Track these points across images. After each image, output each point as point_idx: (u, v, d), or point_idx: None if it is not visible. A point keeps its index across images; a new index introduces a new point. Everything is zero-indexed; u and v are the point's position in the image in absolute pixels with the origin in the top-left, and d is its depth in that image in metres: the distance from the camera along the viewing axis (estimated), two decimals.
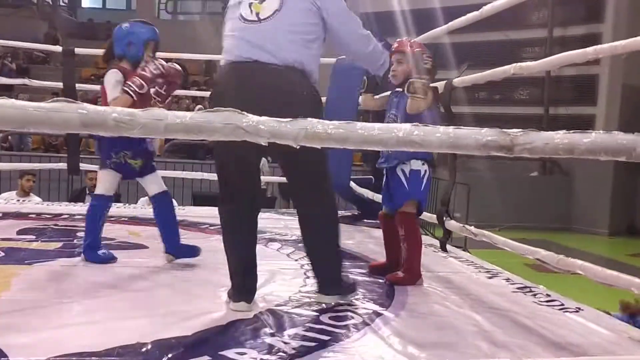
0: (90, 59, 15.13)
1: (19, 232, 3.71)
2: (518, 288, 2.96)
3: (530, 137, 1.06)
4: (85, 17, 18.55)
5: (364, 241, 4.01)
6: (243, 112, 1.01)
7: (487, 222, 12.02)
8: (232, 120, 1.02)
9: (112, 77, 2.99)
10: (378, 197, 4.76)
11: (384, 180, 3.09)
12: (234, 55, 2.35)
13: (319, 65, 2.45)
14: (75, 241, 3.56)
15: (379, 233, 4.32)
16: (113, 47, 3.08)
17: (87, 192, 6.16)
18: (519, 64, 2.79)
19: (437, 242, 3.94)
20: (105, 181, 3.12)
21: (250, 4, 2.37)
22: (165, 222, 3.19)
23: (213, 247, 3.63)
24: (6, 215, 4.27)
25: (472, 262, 3.55)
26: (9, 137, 9.89)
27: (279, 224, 4.50)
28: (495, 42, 13.44)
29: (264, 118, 1.05)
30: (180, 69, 3.18)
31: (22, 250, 3.22)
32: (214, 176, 6.69)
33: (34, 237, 3.61)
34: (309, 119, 1.05)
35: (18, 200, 5.45)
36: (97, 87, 6.99)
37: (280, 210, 5.30)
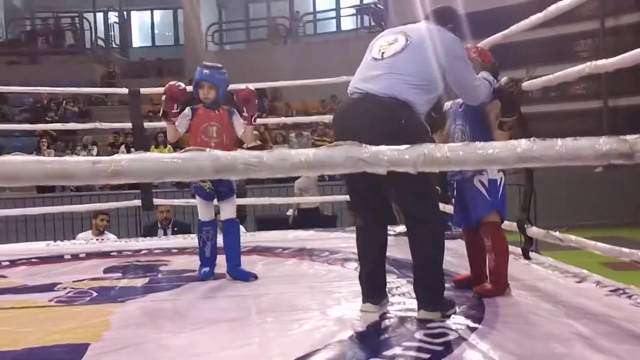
0: (146, 96, 15.66)
1: (106, 271, 3.84)
2: (611, 291, 2.87)
3: None
4: (136, 57, 19.19)
5: None
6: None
7: (554, 222, 11.74)
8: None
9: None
10: (447, 208, 4.71)
11: (456, 194, 3.06)
12: (351, 87, 2.65)
13: (430, 104, 2.65)
14: (159, 276, 3.66)
15: (452, 244, 4.27)
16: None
17: (159, 225, 6.32)
18: (593, 62, 2.74)
19: (516, 250, 3.86)
20: (199, 207, 3.54)
21: (380, 45, 2.66)
22: (229, 246, 3.49)
23: (290, 270, 3.69)
24: (90, 255, 4.43)
25: (556, 267, 3.47)
26: None
27: (350, 243, 4.50)
28: (545, 39, 13.16)
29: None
30: (182, 86, 3.49)
31: (112, 289, 3.32)
32: (275, 200, 6.74)
33: (121, 274, 3.73)
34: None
35: (97, 240, 5.65)
36: (154, 124, 7.24)
37: (348, 229, 5.30)
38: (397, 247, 4.44)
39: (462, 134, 2.92)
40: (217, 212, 3.65)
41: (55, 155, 11.83)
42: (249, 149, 10.61)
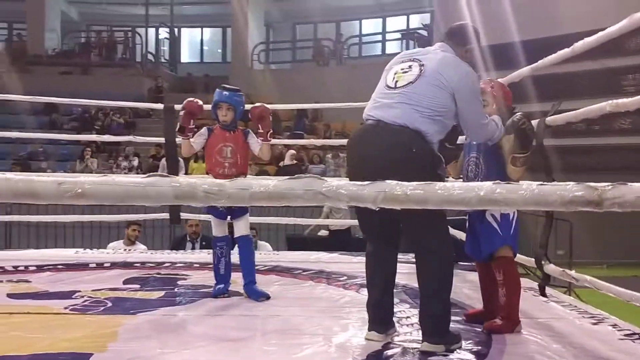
0: None
1: (125, 282, 3.92)
2: (626, 335, 2.78)
3: (620, 190, 1.02)
4: (184, 72, 19.64)
5: (458, 285, 3.86)
6: (323, 178, 1.06)
7: (594, 258, 11.38)
8: (312, 186, 1.06)
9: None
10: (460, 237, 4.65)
11: (468, 227, 3.03)
12: (366, 115, 2.69)
13: (443, 133, 2.65)
14: (176, 290, 3.71)
15: (474, 276, 4.20)
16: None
17: (188, 239, 6.42)
18: (614, 100, 2.69)
19: (536, 285, 3.78)
20: (213, 225, 3.59)
21: (396, 72, 2.67)
22: (243, 262, 3.54)
23: (304, 293, 3.69)
24: (114, 265, 4.53)
25: (575, 306, 3.38)
26: None
27: None
28: (592, 72, 12.93)
29: (343, 182, 1.08)
30: (200, 103, 3.58)
31: (127, 300, 3.39)
32: (306, 220, 6.76)
33: (139, 286, 3.80)
34: (388, 181, 1.08)
35: (125, 250, 5.77)
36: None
37: None
38: (414, 275, 4.41)
39: (475, 167, 2.89)
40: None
41: (98, 164, 12.16)
42: (284, 167, 10.67)
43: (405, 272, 4.39)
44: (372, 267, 2.78)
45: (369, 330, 2.69)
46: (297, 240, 8.65)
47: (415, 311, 3.16)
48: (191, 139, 3.52)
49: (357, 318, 3.02)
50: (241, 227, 3.56)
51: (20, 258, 4.73)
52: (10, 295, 3.44)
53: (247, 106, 3.74)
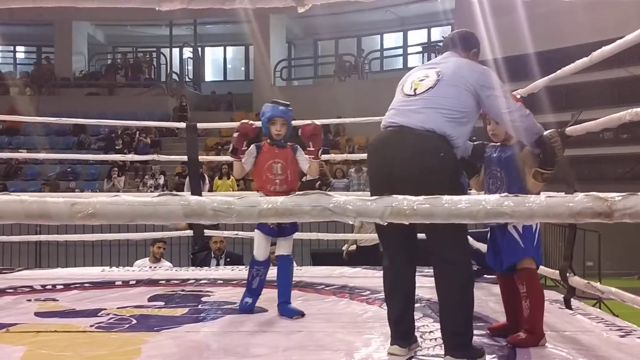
0: (215, 129, 16.17)
1: (150, 299, 3.96)
2: None
3: (631, 201, 1.01)
4: (208, 90, 19.89)
5: (483, 299, 3.87)
6: (330, 194, 1.07)
7: (625, 269, 11.15)
8: (320, 202, 1.07)
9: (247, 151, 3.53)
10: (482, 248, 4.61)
11: (490, 238, 3.00)
12: (387, 122, 2.70)
13: (467, 136, 2.70)
14: (199, 306, 3.74)
15: (497, 289, 4.16)
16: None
17: (212, 255, 6.46)
18: (635, 109, 2.65)
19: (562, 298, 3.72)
20: (256, 242, 3.52)
21: (413, 82, 2.70)
22: (281, 282, 3.54)
23: (327, 309, 3.68)
24: (139, 283, 4.57)
25: (602, 318, 3.32)
26: None
27: None
28: (618, 79, 12.76)
29: (350, 198, 1.09)
30: (255, 124, 3.54)
31: (151, 317, 3.42)
32: (330, 236, 6.74)
33: (163, 303, 3.83)
34: (394, 196, 1.08)
35: (151, 267, 5.83)
36: (220, 157, 7.47)
37: None
38: None
39: (497, 180, 2.87)
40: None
41: (125, 183, 12.32)
42: (307, 182, 10.72)
43: (430, 285, 4.37)
44: (390, 282, 2.77)
45: (392, 344, 2.69)
46: (323, 256, 8.65)
47: (439, 325, 3.15)
48: (242, 160, 3.48)
49: (380, 333, 3.01)
50: (286, 247, 3.54)
51: (48, 277, 4.81)
52: (37, 314, 3.50)
53: (295, 122, 3.75)
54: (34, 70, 19.51)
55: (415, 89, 2.65)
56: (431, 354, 2.69)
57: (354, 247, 8.38)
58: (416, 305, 3.63)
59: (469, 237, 4.87)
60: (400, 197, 1.08)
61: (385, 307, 3.62)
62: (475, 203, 1.06)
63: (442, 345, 2.65)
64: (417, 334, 2.97)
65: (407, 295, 2.75)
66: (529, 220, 1.04)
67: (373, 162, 2.72)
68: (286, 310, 3.43)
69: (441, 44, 16.41)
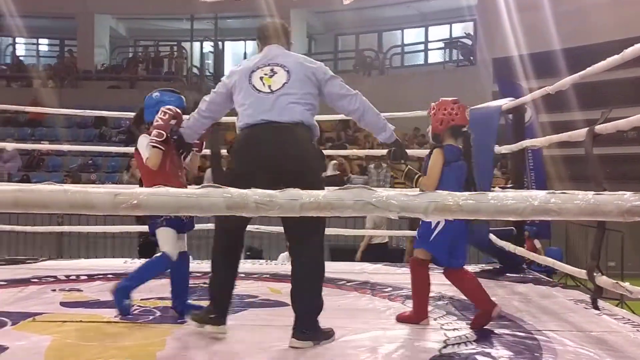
0: (233, 124, 16.19)
1: None
2: None
3: None
4: None
5: (506, 297, 3.83)
6: (372, 189, 1.06)
7: None
8: (362, 196, 1.05)
9: (144, 140, 3.21)
10: (520, 250, 4.57)
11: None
12: (253, 119, 2.82)
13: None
14: None
15: (523, 288, 4.14)
16: (144, 114, 3.36)
17: None
18: None
19: (588, 298, 3.68)
20: (167, 241, 3.21)
21: (261, 78, 2.87)
22: (177, 281, 3.39)
23: (349, 304, 3.68)
24: (163, 275, 4.58)
25: (629, 319, 3.27)
26: None
27: None
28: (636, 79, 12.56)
29: (393, 193, 1.08)
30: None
31: None
32: (351, 231, 6.70)
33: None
34: (438, 191, 1.07)
35: None
36: None
37: None
38: None
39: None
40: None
41: None
42: (327, 177, 10.68)
43: (450, 283, 4.35)
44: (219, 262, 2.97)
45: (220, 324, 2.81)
46: (340, 251, 8.64)
47: (463, 323, 3.13)
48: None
49: (403, 330, 3.00)
50: (185, 242, 3.40)
51: (71, 267, 4.86)
52: (63, 304, 3.53)
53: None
54: (56, 63, 19.67)
55: (269, 86, 2.84)
56: (456, 351, 2.67)
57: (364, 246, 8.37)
58: (439, 302, 3.64)
59: (491, 235, 4.90)
60: (445, 192, 1.07)
61: (408, 305, 3.63)
62: (522, 200, 1.04)
63: (468, 344, 2.64)
64: (441, 332, 2.97)
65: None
66: (577, 217, 1.02)
67: (249, 160, 2.81)
68: (190, 307, 3.28)
69: (463, 40, 16.16)
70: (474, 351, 2.64)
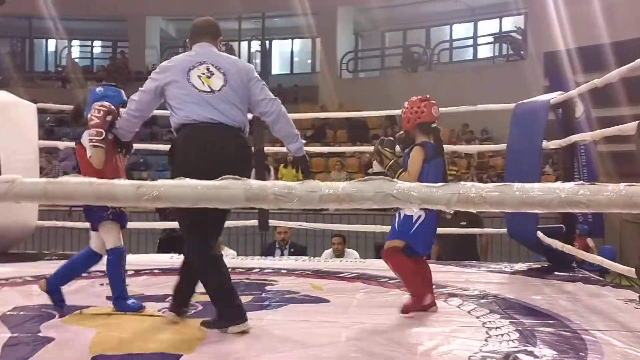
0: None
1: None
2: None
3: None
4: (275, 83, 20.06)
5: (553, 297, 3.73)
6: (394, 180, 1.04)
7: None
8: (382, 188, 1.04)
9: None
10: (568, 248, 4.44)
11: None
12: (198, 116, 2.86)
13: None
14: (263, 295, 3.77)
15: (571, 287, 4.02)
16: (82, 109, 3.32)
17: (277, 246, 6.52)
18: None
19: (637, 297, 3.55)
20: (112, 235, 3.22)
21: (199, 77, 2.90)
22: (76, 267, 3.39)
23: (390, 302, 3.64)
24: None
25: None
26: None
27: (460, 278, 4.38)
28: None
29: (414, 184, 1.06)
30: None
31: None
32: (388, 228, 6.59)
33: None
34: (462, 183, 1.04)
35: None
36: (279, 149, 7.50)
37: (462, 263, 5.14)
38: (510, 285, 4.26)
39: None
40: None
41: None
42: (373, 174, 10.63)
43: (497, 282, 4.27)
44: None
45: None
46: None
47: (506, 322, 3.06)
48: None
49: (444, 328, 2.95)
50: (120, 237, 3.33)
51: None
52: (109, 297, 3.62)
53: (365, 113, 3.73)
54: (109, 65, 20.24)
55: (209, 85, 2.88)
56: (497, 349, 2.61)
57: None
58: (482, 301, 3.58)
59: (539, 233, 4.78)
60: (469, 184, 1.04)
61: (450, 302, 3.58)
62: (549, 191, 1.00)
63: (509, 342, 2.59)
64: (482, 329, 2.91)
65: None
66: (606, 209, 0.97)
67: (200, 157, 2.82)
68: (126, 306, 3.26)
69: (513, 34, 15.76)
70: (516, 349, 2.58)
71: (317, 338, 2.80)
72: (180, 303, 3.06)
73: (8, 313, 3.15)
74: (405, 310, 3.18)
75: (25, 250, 6.18)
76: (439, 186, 1.05)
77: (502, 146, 5.60)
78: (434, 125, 3.28)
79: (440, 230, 5.98)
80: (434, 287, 4.04)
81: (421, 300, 3.19)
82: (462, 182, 1.03)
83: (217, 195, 1.02)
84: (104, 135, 3.08)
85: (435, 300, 3.65)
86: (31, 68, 21.22)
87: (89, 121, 3.13)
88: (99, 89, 3.34)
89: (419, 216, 3.16)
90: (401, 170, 3.24)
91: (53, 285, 3.27)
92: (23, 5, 15.71)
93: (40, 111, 6.10)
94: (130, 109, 3.11)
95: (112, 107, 3.16)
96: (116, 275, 3.24)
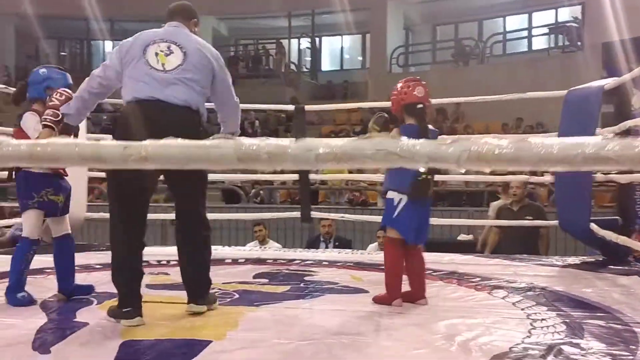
0: (329, 117, 16.26)
1: (255, 276, 4.00)
2: None
3: None
4: (324, 80, 20.02)
5: (606, 290, 3.53)
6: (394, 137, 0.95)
7: None
8: (384, 145, 0.95)
9: (31, 119, 3.12)
10: (624, 240, 4.20)
11: None
12: (143, 95, 2.77)
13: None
14: (302, 285, 3.71)
15: (626, 281, 3.80)
16: (26, 90, 3.25)
17: (322, 239, 6.46)
18: None
19: None
20: (30, 223, 3.14)
21: (156, 54, 2.81)
22: (63, 263, 3.27)
23: (433, 292, 3.52)
24: (248, 261, 4.65)
25: None
26: (261, 192, 10.91)
27: (508, 271, 4.21)
28: None
29: (422, 140, 0.96)
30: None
31: (253, 293, 3.44)
32: (445, 221, 6.45)
33: (267, 280, 3.86)
34: (475, 138, 0.94)
35: (260, 248, 5.93)
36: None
37: (510, 256, 4.95)
38: (559, 278, 4.06)
39: None
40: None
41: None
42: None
43: (544, 275, 4.08)
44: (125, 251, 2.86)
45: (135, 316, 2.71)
46: (436, 245, 8.38)
47: (552, 314, 2.91)
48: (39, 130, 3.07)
49: (485, 319, 2.82)
50: (65, 224, 3.31)
51: (165, 253, 5.00)
52: (148, 286, 3.62)
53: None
54: None
55: (163, 64, 2.78)
56: (541, 340, 2.47)
57: (467, 237, 8.03)
58: (529, 293, 3.42)
59: (593, 225, 4.54)
60: (481, 140, 0.94)
61: (495, 295, 3.44)
62: (572, 147, 0.89)
63: (554, 333, 2.45)
64: (527, 321, 2.77)
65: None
66: (638, 166, 0.86)
67: (139, 136, 2.58)
68: (82, 290, 3.29)
69: (570, 24, 15.23)
70: (561, 341, 2.43)
71: (354, 327, 2.73)
72: (195, 292, 2.94)
73: (48, 299, 3.19)
74: (375, 300, 3.16)
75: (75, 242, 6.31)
76: (448, 143, 0.95)
77: (553, 136, 5.36)
78: (419, 106, 3.16)
79: (500, 222, 5.88)
80: (478, 279, 3.91)
81: (390, 300, 3.10)
82: (475, 138, 0.93)
83: (207, 155, 0.95)
84: (59, 117, 2.98)
85: (479, 293, 3.53)
86: (89, 69, 21.85)
87: (46, 102, 3.06)
88: (42, 71, 3.28)
89: (400, 200, 3.09)
90: None
91: (63, 286, 3.26)
92: (80, 8, 16.20)
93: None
94: (91, 85, 2.96)
95: (72, 95, 3.04)
96: (16, 264, 3.12)
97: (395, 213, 3.11)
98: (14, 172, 3.18)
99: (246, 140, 0.97)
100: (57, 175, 3.20)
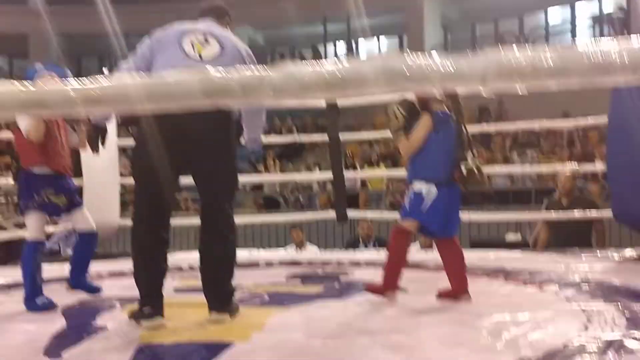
0: (368, 122, 16.01)
1: (288, 278, 3.82)
2: None
3: None
4: None
5: None
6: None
7: None
8: (388, 65, 0.74)
9: (23, 117, 2.99)
10: None
11: None
12: None
13: None
14: (335, 284, 3.52)
15: None
16: None
17: (361, 241, 6.23)
18: None
19: None
20: (32, 225, 3.06)
21: (192, 43, 2.70)
22: (78, 256, 3.26)
23: (479, 288, 3.27)
24: (282, 263, 4.48)
25: None
26: (300, 198, 10.78)
27: (559, 265, 3.92)
28: None
29: (435, 59, 0.76)
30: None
31: (285, 294, 3.26)
32: (494, 218, 6.10)
33: (300, 281, 3.68)
34: (493, 52, 0.73)
35: (297, 250, 5.75)
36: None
37: (561, 250, 4.64)
38: (617, 272, 3.74)
39: None
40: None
41: (280, 169, 12.40)
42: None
43: (602, 268, 3.78)
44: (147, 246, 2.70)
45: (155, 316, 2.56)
46: (481, 245, 8.06)
47: (610, 307, 2.63)
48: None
49: (535, 314, 2.56)
50: (84, 221, 3.26)
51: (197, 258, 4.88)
52: (176, 290, 3.49)
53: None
54: None
55: (200, 54, 2.67)
56: (597, 335, 2.20)
57: (515, 237, 7.66)
58: (583, 287, 3.13)
59: None
60: (509, 54, 0.73)
61: (546, 289, 3.17)
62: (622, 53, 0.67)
63: (613, 328, 2.17)
64: (582, 315, 2.50)
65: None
66: None
67: (172, 125, 2.51)
68: (90, 288, 3.29)
69: (614, 14, 14.71)
70: (622, 335, 2.16)
71: (389, 325, 2.51)
72: (215, 299, 2.70)
73: (70, 304, 3.08)
74: (368, 288, 3.03)
75: (111, 249, 6.27)
76: (467, 57, 0.74)
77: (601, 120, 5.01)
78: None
79: (549, 216, 5.52)
80: (527, 274, 3.64)
81: (384, 290, 2.94)
82: (500, 51, 0.72)
83: (168, 91, 0.77)
84: None
85: (527, 287, 3.26)
86: None
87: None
88: (36, 65, 3.24)
89: (429, 192, 2.90)
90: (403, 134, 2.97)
91: (76, 283, 3.26)
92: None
93: None
94: None
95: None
96: (26, 270, 3.01)
97: (425, 206, 2.89)
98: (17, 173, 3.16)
99: (214, 73, 0.78)
100: (58, 175, 3.13)
